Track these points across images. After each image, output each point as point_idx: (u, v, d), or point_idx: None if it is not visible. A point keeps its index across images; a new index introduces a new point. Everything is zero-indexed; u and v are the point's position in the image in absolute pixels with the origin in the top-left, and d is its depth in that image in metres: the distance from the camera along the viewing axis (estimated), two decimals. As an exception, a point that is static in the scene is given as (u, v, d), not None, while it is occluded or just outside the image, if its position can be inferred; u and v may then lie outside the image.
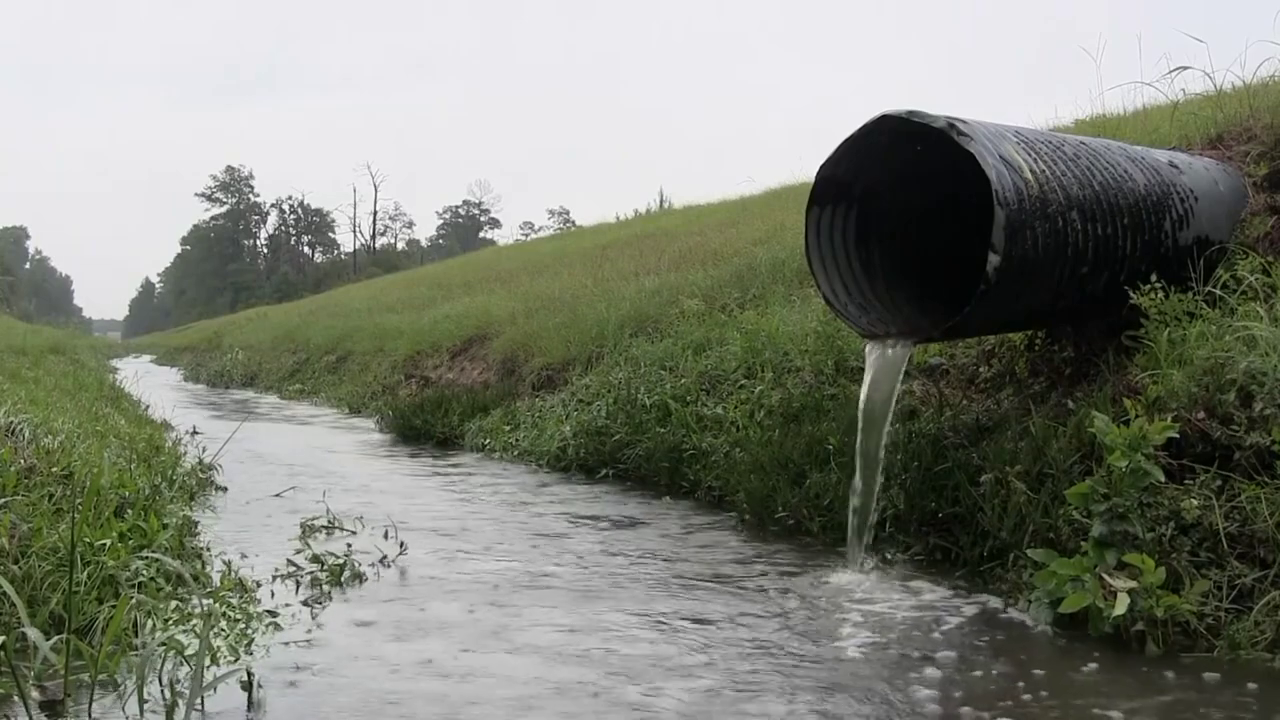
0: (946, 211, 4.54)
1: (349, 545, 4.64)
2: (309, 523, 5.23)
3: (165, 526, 4.21)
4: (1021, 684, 3.02)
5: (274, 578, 4.21)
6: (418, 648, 3.43)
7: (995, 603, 3.85)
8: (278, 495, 6.40)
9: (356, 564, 4.35)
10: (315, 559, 4.39)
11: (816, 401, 5.82)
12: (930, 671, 3.14)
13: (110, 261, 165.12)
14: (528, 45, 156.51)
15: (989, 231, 3.74)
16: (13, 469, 4.10)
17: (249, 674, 2.86)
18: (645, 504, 6.17)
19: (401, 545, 4.79)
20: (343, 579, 4.22)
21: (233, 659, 3.14)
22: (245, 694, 2.83)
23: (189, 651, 3.02)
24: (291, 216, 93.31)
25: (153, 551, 3.80)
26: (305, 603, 3.93)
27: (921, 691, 2.98)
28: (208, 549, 4.62)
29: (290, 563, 4.38)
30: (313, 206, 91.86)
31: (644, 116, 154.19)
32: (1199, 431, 3.64)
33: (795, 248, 8.03)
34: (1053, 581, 3.50)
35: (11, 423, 5.15)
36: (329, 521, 5.27)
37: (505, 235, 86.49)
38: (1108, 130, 6.16)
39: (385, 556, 4.65)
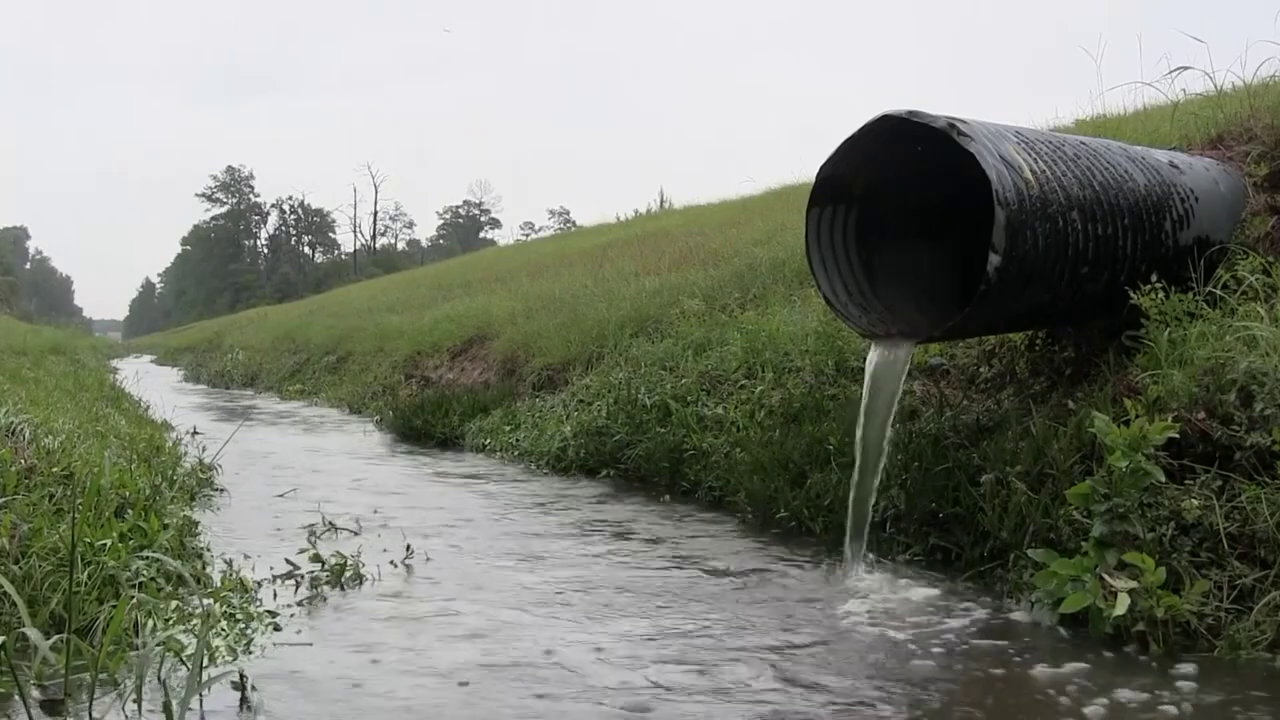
0: (947, 211, 4.54)
1: (358, 548, 4.63)
2: (310, 525, 5.22)
3: (166, 527, 4.21)
4: (1021, 684, 3.02)
5: (275, 578, 4.21)
6: (410, 650, 3.43)
7: (995, 603, 3.85)
8: (281, 496, 6.39)
9: (360, 565, 4.34)
10: (317, 558, 4.39)
11: (817, 402, 5.82)
12: (930, 671, 3.14)
13: (110, 261, 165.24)
14: (528, 45, 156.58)
15: (989, 231, 3.74)
16: (13, 469, 4.10)
17: (241, 675, 2.86)
18: (644, 504, 6.17)
19: (408, 549, 4.78)
20: (343, 580, 4.22)
21: (231, 659, 3.14)
22: (239, 694, 2.84)
23: (188, 652, 3.02)
24: (292, 217, 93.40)
25: (153, 552, 3.80)
26: (303, 603, 3.93)
27: (920, 691, 2.98)
28: (208, 549, 4.62)
29: (290, 563, 4.38)
30: (313, 206, 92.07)
31: (644, 116, 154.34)
32: (1199, 431, 3.64)
33: (795, 248, 8.03)
34: (1053, 581, 3.50)
35: (12, 423, 5.15)
36: (328, 524, 5.27)
37: (505, 235, 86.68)
38: (1108, 130, 6.15)
39: (369, 565, 4.65)
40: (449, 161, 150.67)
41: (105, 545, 3.59)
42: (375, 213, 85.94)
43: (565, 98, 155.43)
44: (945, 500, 4.43)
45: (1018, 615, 3.69)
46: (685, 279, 9.93)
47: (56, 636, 2.83)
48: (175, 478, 5.85)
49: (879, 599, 3.93)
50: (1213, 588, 3.30)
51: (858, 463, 4.37)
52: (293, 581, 4.20)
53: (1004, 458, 4.24)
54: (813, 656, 3.31)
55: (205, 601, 3.52)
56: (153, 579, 3.64)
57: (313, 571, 4.27)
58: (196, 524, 5.07)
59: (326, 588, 4.15)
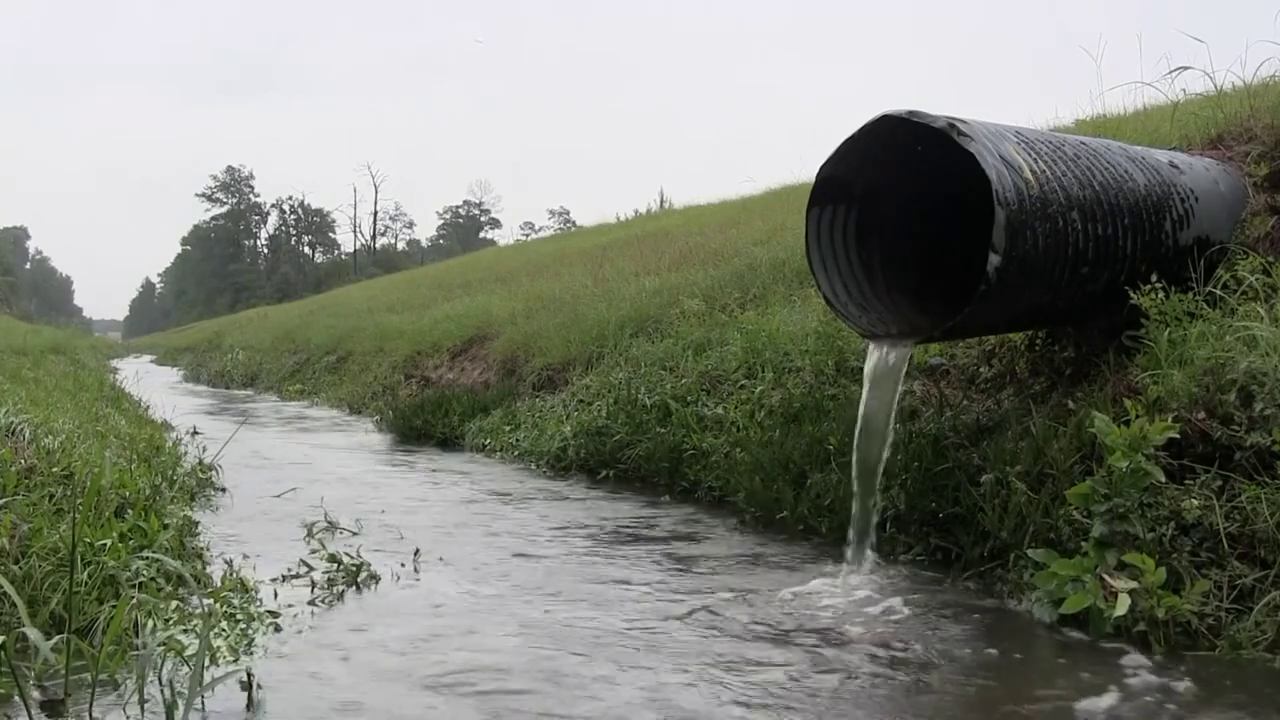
0: (947, 211, 4.54)
1: (358, 548, 4.63)
2: (311, 524, 5.22)
3: (166, 527, 4.21)
4: (1021, 684, 3.02)
5: (281, 579, 4.20)
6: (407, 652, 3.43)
7: (996, 603, 3.85)
8: (280, 496, 6.39)
9: (369, 566, 4.34)
10: (333, 559, 4.38)
11: (817, 401, 5.82)
12: (929, 671, 3.14)
13: (110, 261, 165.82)
14: (528, 45, 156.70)
15: (989, 231, 3.73)
16: (13, 469, 4.10)
17: (248, 674, 2.86)
18: (641, 505, 6.17)
19: (416, 553, 4.78)
20: (358, 580, 4.21)
21: (233, 659, 3.14)
22: (245, 694, 2.83)
23: (189, 652, 3.02)
24: (292, 217, 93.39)
25: (153, 552, 3.80)
26: (311, 603, 3.93)
27: (919, 691, 2.98)
28: (208, 549, 4.62)
29: (305, 563, 4.38)
30: (313, 206, 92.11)
31: (644, 116, 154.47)
32: (1199, 431, 3.64)
33: (795, 248, 8.03)
34: (1053, 582, 3.50)
35: (12, 423, 5.15)
36: (329, 523, 5.27)
37: (505, 235, 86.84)
38: (1108, 130, 6.15)
39: (363, 564, 4.64)
40: (449, 161, 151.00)
41: (105, 545, 3.59)
42: (375, 213, 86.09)
43: (565, 97, 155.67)
44: (945, 500, 4.43)
45: (1018, 615, 3.69)
46: (685, 279, 9.93)
47: (57, 637, 2.83)
48: (175, 478, 5.85)
49: (877, 599, 3.92)
50: (1213, 588, 3.30)
51: (856, 462, 4.36)
52: (299, 580, 4.19)
53: (1004, 458, 4.24)
54: (804, 655, 3.30)
55: (206, 601, 3.52)
56: (153, 579, 3.64)
57: (328, 572, 4.26)
58: (196, 524, 5.07)
59: (338, 588, 4.13)
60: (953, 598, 3.94)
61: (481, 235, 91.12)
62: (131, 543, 3.84)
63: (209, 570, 4.19)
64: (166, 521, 4.31)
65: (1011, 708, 2.88)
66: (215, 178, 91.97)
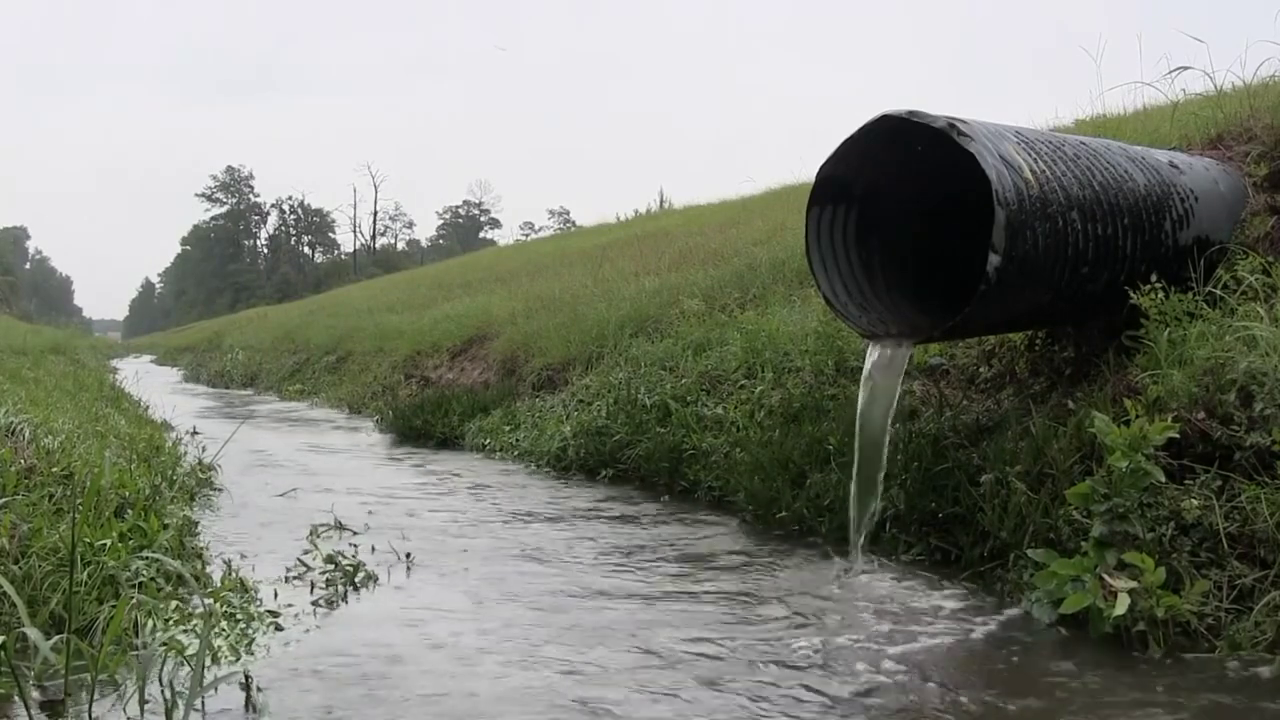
0: (947, 211, 4.54)
1: (355, 548, 4.64)
2: (317, 525, 5.22)
3: (165, 527, 4.21)
4: (1020, 684, 3.02)
5: (283, 579, 4.21)
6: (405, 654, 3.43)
7: (995, 603, 3.85)
8: (281, 496, 6.39)
9: (365, 566, 4.34)
10: (331, 559, 4.38)
11: (817, 401, 5.82)
12: (930, 672, 3.14)
13: (110, 261, 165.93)
14: (528, 45, 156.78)
15: (990, 231, 3.74)
16: (13, 469, 4.10)
17: (246, 675, 2.86)
18: (638, 505, 6.17)
19: (407, 556, 4.78)
20: (355, 580, 4.21)
21: (234, 659, 3.14)
22: (244, 694, 2.83)
23: (189, 652, 3.02)
24: (291, 217, 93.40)
25: (153, 552, 3.80)
26: (314, 604, 3.93)
27: (919, 692, 2.98)
28: (208, 549, 4.62)
29: (302, 563, 4.38)
30: (313, 206, 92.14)
31: (644, 116, 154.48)
32: (1199, 431, 3.64)
33: (795, 248, 8.03)
34: (1053, 582, 3.50)
35: (12, 423, 5.15)
36: (336, 523, 5.27)
37: (505, 235, 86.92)
38: (1108, 130, 6.15)
39: (363, 565, 4.65)
40: (449, 161, 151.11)
41: (105, 545, 3.59)
42: (375, 213, 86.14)
43: (565, 97, 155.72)
44: (945, 500, 4.43)
45: (1018, 615, 3.68)
46: (685, 279, 9.93)
47: (57, 636, 2.83)
48: (175, 478, 5.85)
49: (877, 599, 3.92)
50: (1213, 588, 3.30)
51: (856, 462, 4.36)
52: (294, 582, 4.20)
53: (1004, 458, 4.24)
54: (803, 656, 3.30)
55: (206, 601, 3.52)
56: (153, 579, 3.64)
57: (327, 572, 4.26)
58: (196, 524, 5.07)
59: (338, 588, 4.13)
60: (953, 598, 3.94)
61: (481, 235, 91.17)
62: (131, 543, 3.84)
63: (209, 570, 4.19)
64: (166, 521, 4.31)
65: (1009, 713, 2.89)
66: (215, 178, 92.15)
